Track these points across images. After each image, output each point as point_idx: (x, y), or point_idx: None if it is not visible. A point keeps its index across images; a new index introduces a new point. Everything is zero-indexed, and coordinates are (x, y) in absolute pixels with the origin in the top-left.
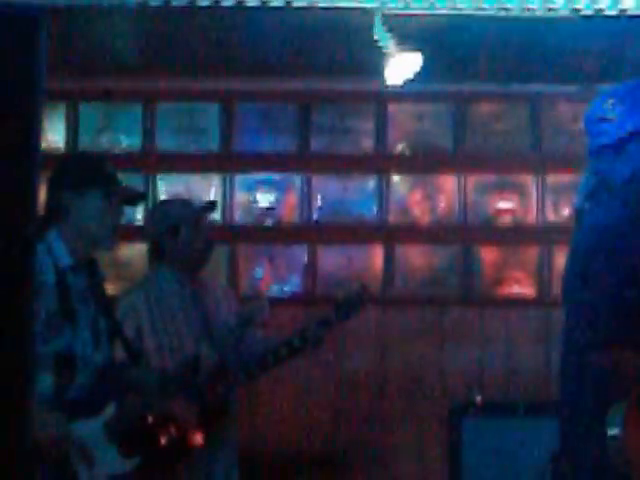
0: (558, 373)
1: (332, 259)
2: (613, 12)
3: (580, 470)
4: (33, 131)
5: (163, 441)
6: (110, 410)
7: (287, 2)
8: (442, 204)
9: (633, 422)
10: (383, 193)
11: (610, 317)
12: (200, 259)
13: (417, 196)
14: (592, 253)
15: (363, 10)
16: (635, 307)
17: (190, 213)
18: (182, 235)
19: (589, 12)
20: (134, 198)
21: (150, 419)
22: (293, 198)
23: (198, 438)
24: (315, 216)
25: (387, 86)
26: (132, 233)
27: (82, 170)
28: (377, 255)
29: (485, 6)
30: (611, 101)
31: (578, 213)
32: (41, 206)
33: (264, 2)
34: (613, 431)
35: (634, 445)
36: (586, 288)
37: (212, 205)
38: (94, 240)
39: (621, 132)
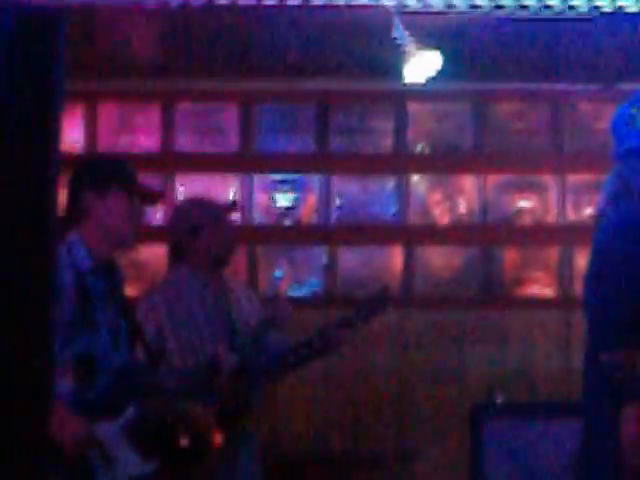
0: (581, 373)
1: (352, 260)
2: (634, 9)
3: (597, 469)
4: (53, 132)
5: (182, 443)
6: (130, 412)
7: (305, 1)
8: (462, 204)
9: None
10: (403, 193)
11: (623, 319)
12: (221, 260)
13: (437, 196)
14: (607, 254)
15: (382, 9)
16: None
17: (211, 213)
18: (202, 235)
19: (609, 9)
20: (153, 197)
21: (169, 421)
22: (312, 198)
23: (218, 440)
24: (334, 216)
25: (406, 85)
26: (152, 234)
27: (104, 171)
28: (397, 256)
29: (503, 4)
30: (635, 110)
31: (600, 215)
32: (61, 207)
33: (282, 1)
34: (629, 428)
35: None
36: (600, 289)
37: (233, 205)
38: (115, 241)
39: None
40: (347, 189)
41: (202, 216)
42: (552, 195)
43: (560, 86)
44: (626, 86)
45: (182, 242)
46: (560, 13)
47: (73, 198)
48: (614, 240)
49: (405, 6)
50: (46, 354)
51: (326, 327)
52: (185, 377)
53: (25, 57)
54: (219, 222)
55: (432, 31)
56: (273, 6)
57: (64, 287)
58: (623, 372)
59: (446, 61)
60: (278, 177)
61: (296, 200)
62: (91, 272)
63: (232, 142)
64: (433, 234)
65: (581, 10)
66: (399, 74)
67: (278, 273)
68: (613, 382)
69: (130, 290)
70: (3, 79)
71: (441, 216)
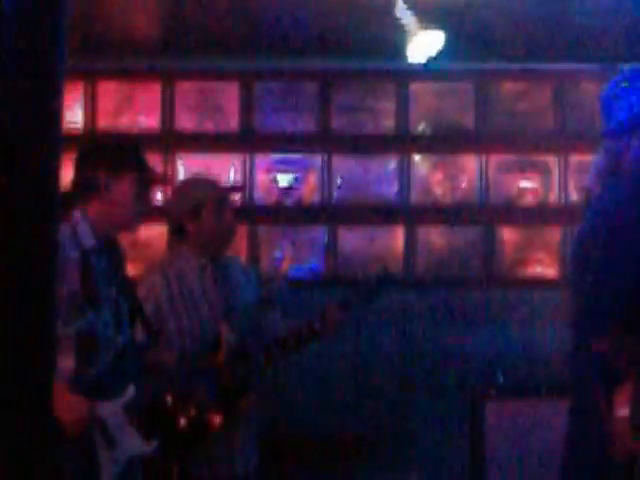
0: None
1: (353, 240)
2: None
3: (584, 453)
4: (54, 111)
5: (182, 422)
6: (131, 391)
7: None
8: (464, 184)
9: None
10: (404, 173)
11: (613, 304)
12: (222, 241)
13: (438, 176)
14: (595, 236)
15: None
16: (634, 293)
17: (214, 194)
18: (204, 217)
19: None
20: (158, 182)
21: (170, 401)
22: (313, 178)
23: (217, 420)
24: (336, 196)
25: (409, 65)
26: (152, 213)
27: (120, 153)
28: (398, 236)
29: None
30: (624, 83)
31: (588, 194)
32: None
33: None
34: (621, 413)
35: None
36: (591, 274)
37: (238, 187)
38: (120, 222)
39: (632, 112)
40: (349, 169)
41: (205, 197)
42: (554, 175)
43: (563, 66)
44: (629, 66)
45: (183, 223)
46: None
47: (82, 176)
48: (603, 222)
49: None
50: (47, 332)
51: (326, 309)
52: (185, 357)
53: (25, 35)
54: (222, 204)
55: (435, 10)
56: None
57: (69, 264)
58: (614, 358)
59: (448, 41)
60: (279, 157)
61: (297, 180)
62: (94, 251)
63: (233, 121)
64: (435, 214)
65: None
66: (402, 54)
67: (278, 253)
68: (604, 367)
69: (131, 270)
70: (3, 58)
71: (443, 196)
